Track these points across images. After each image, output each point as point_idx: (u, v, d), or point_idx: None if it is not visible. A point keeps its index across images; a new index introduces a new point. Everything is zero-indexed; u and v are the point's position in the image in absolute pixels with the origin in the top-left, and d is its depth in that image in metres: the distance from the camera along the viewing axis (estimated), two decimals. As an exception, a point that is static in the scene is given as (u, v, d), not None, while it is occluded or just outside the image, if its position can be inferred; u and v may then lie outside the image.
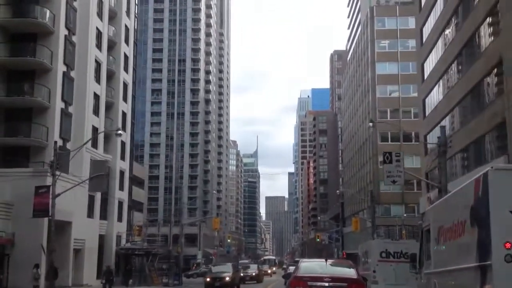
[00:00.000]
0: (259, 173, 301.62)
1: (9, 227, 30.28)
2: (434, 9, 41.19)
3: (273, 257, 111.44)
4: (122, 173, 44.61)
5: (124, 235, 44.77)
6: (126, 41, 46.09)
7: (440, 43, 40.09)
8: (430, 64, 43.65)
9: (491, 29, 28.73)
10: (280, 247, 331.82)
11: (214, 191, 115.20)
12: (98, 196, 39.62)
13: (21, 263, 29.88)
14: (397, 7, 74.97)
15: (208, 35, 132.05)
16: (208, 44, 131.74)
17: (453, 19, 36.18)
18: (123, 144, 44.62)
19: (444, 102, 37.87)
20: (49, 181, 27.09)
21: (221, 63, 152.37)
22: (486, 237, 8.24)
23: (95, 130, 39.28)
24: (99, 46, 40.15)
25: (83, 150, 37.04)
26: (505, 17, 25.40)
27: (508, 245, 8.01)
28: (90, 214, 38.91)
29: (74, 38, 37.01)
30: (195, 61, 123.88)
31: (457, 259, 9.76)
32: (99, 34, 40.10)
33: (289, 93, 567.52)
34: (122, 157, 44.64)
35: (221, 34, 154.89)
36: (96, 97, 39.55)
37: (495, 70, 27.78)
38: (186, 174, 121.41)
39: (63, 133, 34.85)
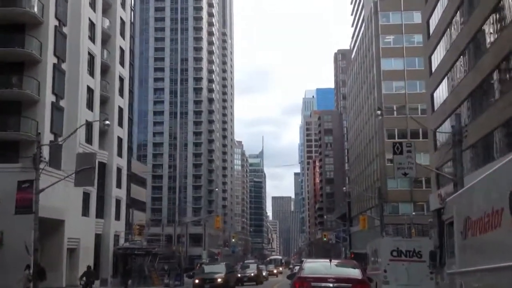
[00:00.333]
0: (264, 173, 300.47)
1: (-4, 226, 28.70)
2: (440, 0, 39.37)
3: (280, 257, 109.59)
4: (119, 170, 42.92)
5: (122, 234, 43.08)
6: (122, 34, 44.39)
7: (447, 34, 38.23)
8: (437, 57, 41.80)
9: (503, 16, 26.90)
10: (287, 247, 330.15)
11: (216, 188, 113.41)
12: (93, 193, 37.99)
13: (11, 263, 28.25)
14: (402, 1, 72.90)
15: (210, 34, 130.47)
16: (210, 43, 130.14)
17: (460, 9, 34.32)
18: (120, 140, 42.94)
19: (454, 95, 35.94)
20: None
21: (224, 62, 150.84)
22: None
23: (89, 124, 37.62)
24: (92, 38, 38.49)
25: (76, 145, 35.45)
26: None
27: None
28: (86, 212, 37.28)
29: (65, 30, 35.39)
30: (198, 60, 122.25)
31: (491, 256, 7.90)
32: (92, 26, 38.44)
33: (294, 93, 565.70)
34: (119, 154, 42.96)
35: (224, 34, 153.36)
36: (90, 91, 37.89)
37: (505, 62, 25.99)
38: (190, 174, 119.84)
39: (54, 127, 33.22)
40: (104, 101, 40.91)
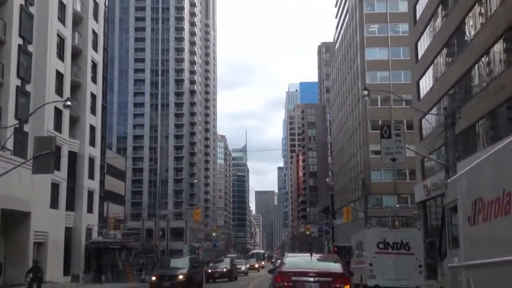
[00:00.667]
0: (248, 167, 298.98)
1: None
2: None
3: (262, 251, 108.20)
4: (92, 160, 40.79)
5: (95, 227, 41.01)
6: (95, 17, 42.11)
7: (435, 19, 36.81)
8: (424, 43, 40.44)
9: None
10: (270, 241, 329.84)
11: (195, 180, 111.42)
12: (63, 184, 35.91)
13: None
14: (387, -11, 71.60)
15: (192, 24, 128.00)
16: (192, 33, 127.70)
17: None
18: (92, 129, 40.78)
19: (441, 81, 34.50)
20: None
21: (207, 54, 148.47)
22: None
23: (58, 111, 35.47)
24: (62, 19, 36.27)
25: (44, 133, 33.29)
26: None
27: None
28: (54, 204, 35.20)
29: (32, 9, 33.16)
30: (179, 50, 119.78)
31: (509, 245, 6.27)
32: (62, 7, 36.22)
33: (278, 88, 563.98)
34: (92, 143, 40.81)
35: (207, 25, 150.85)
36: (60, 75, 35.70)
37: (501, 40, 24.52)
38: (171, 167, 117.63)
39: (19, 113, 31.06)
40: (75, 87, 38.73)
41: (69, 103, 22.67)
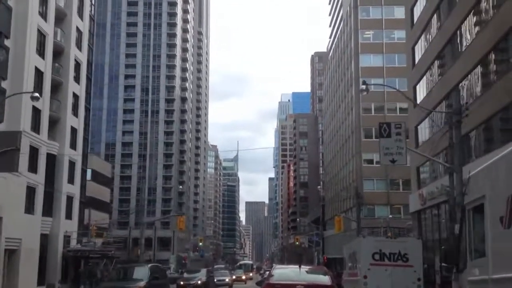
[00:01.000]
0: (238, 177, 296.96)
1: None
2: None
3: (250, 262, 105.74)
4: (72, 164, 38.81)
5: (74, 235, 38.92)
6: (80, 14, 40.36)
7: (434, 20, 35.46)
8: (421, 47, 39.10)
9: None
10: (260, 252, 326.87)
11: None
12: (40, 188, 33.90)
13: None
14: (382, -5, 70.59)
15: (185, 31, 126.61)
16: (185, 40, 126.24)
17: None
18: (74, 131, 38.85)
19: (441, 84, 32.98)
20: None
21: (199, 62, 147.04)
22: None
23: (36, 111, 33.59)
24: (43, 15, 34.49)
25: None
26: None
27: None
28: (30, 209, 33.16)
29: (10, 2, 31.36)
30: (171, 57, 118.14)
31: None
32: (43, 1, 34.43)
33: (270, 99, 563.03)
34: (73, 146, 38.86)
35: (200, 33, 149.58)
36: (39, 73, 33.84)
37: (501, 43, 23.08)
38: (160, 175, 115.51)
39: (-7, 111, 29.16)
40: (56, 86, 36.88)
41: (36, 94, 20.83)
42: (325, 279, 11.78)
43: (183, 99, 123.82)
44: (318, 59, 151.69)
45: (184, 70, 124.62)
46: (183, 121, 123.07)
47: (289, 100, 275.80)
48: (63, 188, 36.90)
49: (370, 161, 63.56)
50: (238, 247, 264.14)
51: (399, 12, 60.07)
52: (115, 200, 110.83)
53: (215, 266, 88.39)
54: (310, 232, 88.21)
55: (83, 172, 42.89)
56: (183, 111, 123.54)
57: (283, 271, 13.08)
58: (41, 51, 34.24)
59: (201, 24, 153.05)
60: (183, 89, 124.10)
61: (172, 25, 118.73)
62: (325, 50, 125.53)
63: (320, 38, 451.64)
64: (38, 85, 33.75)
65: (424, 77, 37.54)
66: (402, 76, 60.94)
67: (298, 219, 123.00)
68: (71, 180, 38.54)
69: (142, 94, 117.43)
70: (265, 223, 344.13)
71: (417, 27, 39.28)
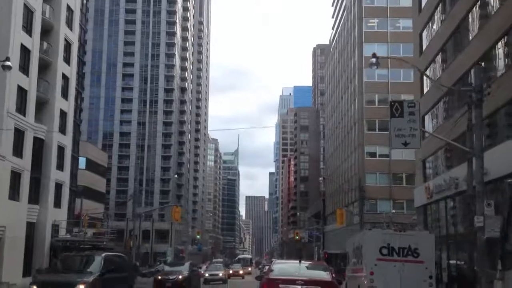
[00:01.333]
0: (238, 171, 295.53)
1: None
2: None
3: (249, 256, 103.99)
4: (61, 149, 36.90)
5: (64, 224, 37.08)
6: (71, -9, 38.33)
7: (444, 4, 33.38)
8: (430, 31, 37.03)
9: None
10: (260, 247, 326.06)
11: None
12: (26, 174, 32.02)
13: None
14: (387, -18, 68.40)
15: (185, 19, 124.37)
16: (185, 29, 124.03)
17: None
18: (63, 114, 36.90)
19: (451, 71, 30.87)
20: None
21: (200, 52, 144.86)
22: None
23: (23, 91, 31.65)
24: (30, -12, 32.47)
25: (4, 116, 29.56)
26: None
27: None
28: (15, 195, 31.31)
29: (-6, -26, 29.41)
30: (170, 45, 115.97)
31: None
32: (30, -26, 32.41)
33: (272, 94, 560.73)
34: (62, 131, 36.94)
35: (200, 23, 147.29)
36: (25, 50, 31.87)
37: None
38: (158, 166, 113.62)
39: (-28, 90, 27.26)
40: (44, 66, 34.91)
41: (8, 63, 18.85)
42: (325, 275, 11.62)
43: (183, 89, 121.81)
44: (320, 52, 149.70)
45: (184, 59, 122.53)
46: (182, 112, 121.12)
47: (290, 94, 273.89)
48: (51, 175, 35.01)
49: (373, 154, 61.69)
50: (238, 241, 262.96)
51: (405, 0, 58.12)
52: (112, 191, 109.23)
53: (213, 260, 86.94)
54: (310, 226, 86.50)
55: (74, 158, 41.01)
56: (183, 102, 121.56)
57: (283, 266, 12.78)
58: (28, 28, 32.28)
59: (201, 14, 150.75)
60: (183, 79, 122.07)
61: (171, 12, 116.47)
62: (327, 43, 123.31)
63: (322, 32, 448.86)
64: (25, 64, 31.83)
65: (432, 64, 35.53)
66: (406, 67, 59.00)
67: (298, 213, 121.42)
68: (60, 167, 36.65)
69: (140, 83, 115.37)
70: (265, 217, 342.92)
71: (425, 12, 37.21)
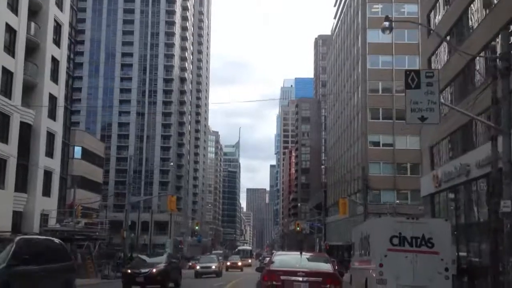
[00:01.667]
0: (239, 163, 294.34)
1: None
2: None
3: (249, 248, 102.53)
4: (51, 135, 35.18)
5: (53, 213, 35.41)
6: (60, -31, 36.44)
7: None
8: (440, 10, 35.11)
9: None
10: (260, 239, 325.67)
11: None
12: (12, 160, 30.33)
13: None
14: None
15: (184, 8, 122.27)
16: (184, 18, 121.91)
17: None
18: (53, 99, 35.13)
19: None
20: None
21: (200, 43, 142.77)
22: None
23: (8, 74, 29.90)
24: (16, -36, 30.65)
25: (-13, 97, 27.82)
26: None
27: None
28: (0, 183, 29.65)
29: None
30: (169, 35, 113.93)
31: None
32: (16, -51, 30.59)
33: (273, 86, 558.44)
34: (52, 116, 35.20)
35: (201, 13, 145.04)
36: (11, 30, 30.10)
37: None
38: (157, 157, 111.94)
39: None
40: (32, 48, 33.15)
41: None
42: (327, 267, 11.50)
43: (182, 80, 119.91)
44: (321, 43, 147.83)
45: (183, 49, 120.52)
46: (182, 103, 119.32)
47: (291, 86, 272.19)
48: (40, 162, 33.32)
49: (377, 144, 59.90)
50: (239, 233, 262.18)
51: (409, -16, 56.30)
52: (111, 182, 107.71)
53: (213, 252, 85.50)
54: (311, 218, 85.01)
55: (66, 145, 39.31)
56: (182, 92, 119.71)
57: (284, 258, 12.59)
58: (14, 7, 30.47)
59: (202, 4, 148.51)
60: (183, 69, 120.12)
61: (171, 2, 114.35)
62: (329, 33, 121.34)
63: (324, 23, 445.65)
64: (10, 44, 30.05)
65: (441, 48, 33.66)
66: (411, 53, 57.10)
67: (299, 204, 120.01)
68: (49, 154, 34.95)
69: (139, 73, 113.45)
70: (266, 210, 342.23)
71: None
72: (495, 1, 23.15)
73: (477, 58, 21.39)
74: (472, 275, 24.32)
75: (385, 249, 15.51)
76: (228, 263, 49.82)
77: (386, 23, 14.83)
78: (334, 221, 69.50)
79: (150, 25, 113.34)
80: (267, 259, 26.69)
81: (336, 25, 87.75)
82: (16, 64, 30.66)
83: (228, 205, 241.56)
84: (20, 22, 31.11)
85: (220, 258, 60.90)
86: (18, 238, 11.39)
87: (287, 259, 12.37)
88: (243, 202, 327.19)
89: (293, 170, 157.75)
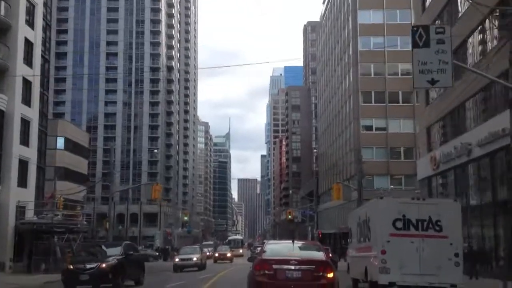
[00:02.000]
0: (230, 153, 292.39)
1: None
2: None
3: (240, 237, 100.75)
4: (26, 122, 33.05)
5: (30, 205, 33.39)
6: None
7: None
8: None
9: None
10: (253, 229, 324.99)
11: (156, 150, 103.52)
12: (-18, 149, 28.25)
13: None
14: None
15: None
16: (170, 5, 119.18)
17: None
18: (27, 83, 32.94)
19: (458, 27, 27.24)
20: None
21: (187, 31, 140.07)
22: None
23: (-25, 56, 27.73)
24: None
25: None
26: None
27: None
28: (-31, 174, 27.62)
29: None
30: (155, 22, 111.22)
31: None
32: None
33: (262, 76, 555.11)
34: (27, 102, 33.04)
35: (187, 0, 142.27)
36: (-24, 9, 27.89)
37: None
38: (145, 148, 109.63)
39: None
40: (3, 30, 30.93)
41: None
42: (320, 255, 11.40)
43: (170, 68, 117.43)
44: (311, 29, 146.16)
45: (170, 37, 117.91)
46: (169, 92, 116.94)
47: (281, 75, 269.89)
48: (14, 150, 31.22)
49: (369, 128, 58.29)
50: (230, 224, 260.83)
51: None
52: (98, 174, 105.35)
53: (204, 243, 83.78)
54: (303, 205, 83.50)
55: (43, 134, 37.17)
56: (170, 81, 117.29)
57: (276, 247, 12.40)
58: (-21, -17, 28.25)
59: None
60: (169, 57, 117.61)
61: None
62: (318, 20, 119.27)
63: (312, 11, 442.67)
64: (-24, 25, 27.85)
65: (436, 22, 31.89)
66: (404, 34, 55.25)
67: (290, 191, 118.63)
68: (25, 142, 32.83)
69: (125, 62, 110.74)
70: (257, 200, 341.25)
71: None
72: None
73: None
74: (474, 260, 22.85)
75: (388, 233, 13.81)
76: (216, 254, 47.53)
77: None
78: (327, 208, 68.07)
79: (135, 12, 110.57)
80: (259, 248, 24.82)
81: (325, 9, 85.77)
82: (-15, 46, 28.50)
83: (219, 196, 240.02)
84: (-13, 1, 28.93)
85: (210, 249, 59.14)
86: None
87: (279, 248, 12.11)
88: (234, 193, 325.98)
89: (284, 159, 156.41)
